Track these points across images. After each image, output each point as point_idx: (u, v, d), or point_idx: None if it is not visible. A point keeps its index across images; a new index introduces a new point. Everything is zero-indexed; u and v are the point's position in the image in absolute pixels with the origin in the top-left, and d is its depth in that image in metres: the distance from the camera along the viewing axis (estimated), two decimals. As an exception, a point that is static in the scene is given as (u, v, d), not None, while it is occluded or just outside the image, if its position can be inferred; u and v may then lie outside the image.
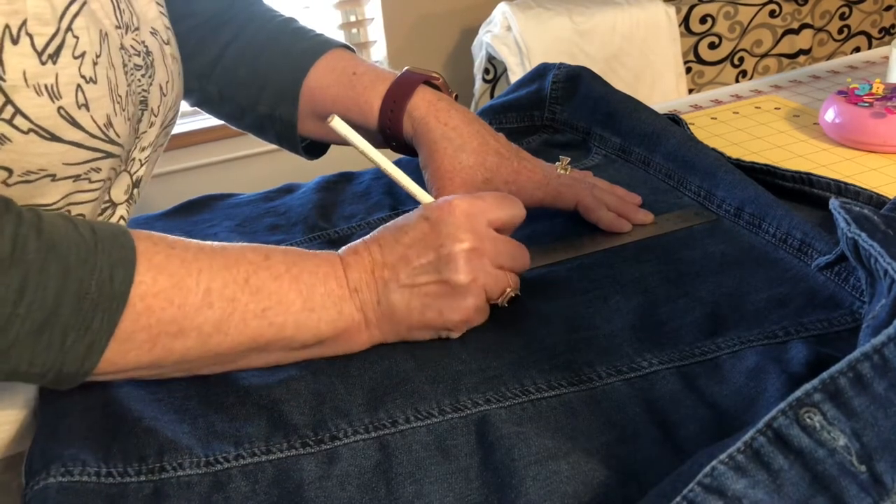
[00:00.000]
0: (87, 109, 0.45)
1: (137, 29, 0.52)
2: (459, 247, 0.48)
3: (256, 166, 1.74)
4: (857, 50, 2.32)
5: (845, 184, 0.62)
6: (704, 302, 0.52)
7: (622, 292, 0.53)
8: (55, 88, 0.43)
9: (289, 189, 0.75)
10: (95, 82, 0.45)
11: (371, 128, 0.63)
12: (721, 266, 0.55)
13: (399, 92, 0.62)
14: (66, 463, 0.41)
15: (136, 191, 0.56)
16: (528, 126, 0.81)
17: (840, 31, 2.28)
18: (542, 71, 0.82)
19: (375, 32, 1.85)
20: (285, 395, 0.46)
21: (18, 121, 0.41)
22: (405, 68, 0.65)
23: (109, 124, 0.47)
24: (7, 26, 0.40)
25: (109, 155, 0.48)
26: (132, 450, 0.42)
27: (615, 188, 0.64)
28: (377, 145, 0.64)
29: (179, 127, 1.75)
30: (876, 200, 0.61)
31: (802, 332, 0.48)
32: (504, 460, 0.40)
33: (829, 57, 2.29)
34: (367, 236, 0.50)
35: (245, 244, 0.47)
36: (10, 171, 0.43)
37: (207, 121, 1.77)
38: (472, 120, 0.62)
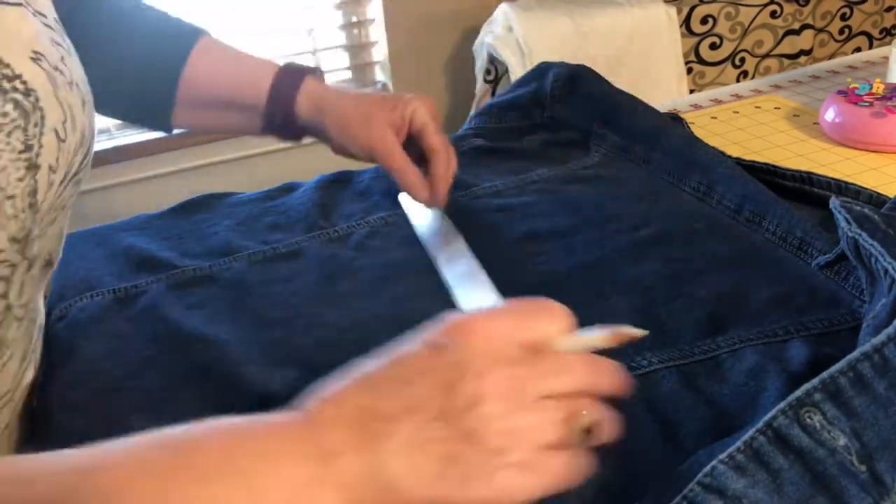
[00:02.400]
0: None
1: None
2: (482, 384, 0.33)
3: (256, 166, 1.74)
4: (858, 50, 2.32)
5: (845, 183, 0.62)
6: (704, 301, 0.51)
7: (623, 291, 0.53)
8: None
9: (289, 188, 0.74)
10: None
11: (259, 105, 0.65)
12: (721, 265, 0.55)
13: (290, 78, 0.65)
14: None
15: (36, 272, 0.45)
16: (529, 125, 0.81)
17: (841, 32, 2.27)
18: (542, 70, 0.82)
19: (377, 33, 1.85)
20: (287, 393, 0.46)
21: None
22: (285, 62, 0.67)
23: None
24: None
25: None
26: None
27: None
28: (257, 132, 0.68)
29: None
30: (876, 200, 0.61)
31: (802, 331, 0.48)
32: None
33: (830, 58, 2.28)
34: (342, 375, 0.35)
35: (146, 437, 0.32)
36: None
37: (208, 121, 1.77)
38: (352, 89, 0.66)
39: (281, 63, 0.66)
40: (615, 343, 0.37)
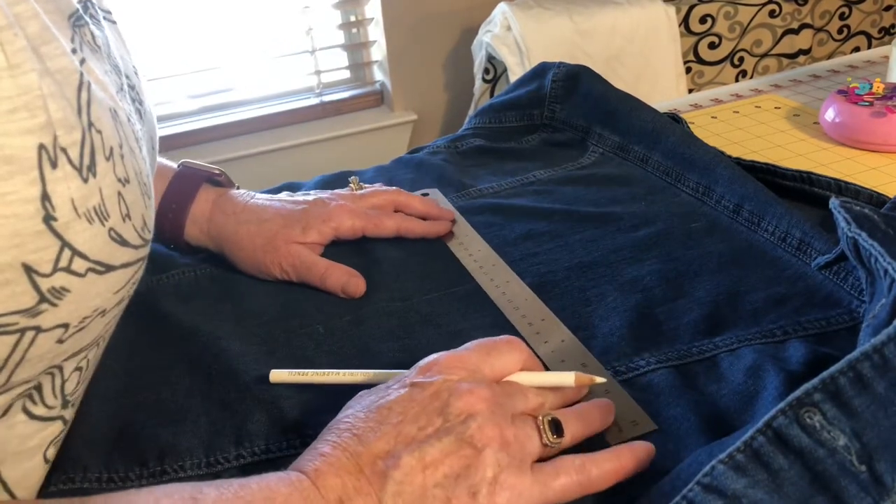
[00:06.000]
0: (130, 219, 0.36)
1: (128, 77, 0.42)
2: (471, 400, 0.37)
3: (256, 166, 1.74)
4: (857, 50, 2.32)
5: (845, 183, 0.62)
6: (703, 301, 0.51)
7: (620, 291, 0.53)
8: (102, 208, 0.34)
9: (288, 188, 0.74)
10: (129, 181, 0.36)
11: None
12: (720, 265, 0.55)
13: (179, 196, 0.59)
14: (67, 470, 0.41)
15: None
16: (528, 125, 0.81)
17: (840, 31, 2.27)
18: (541, 70, 0.82)
19: (375, 32, 1.85)
20: (286, 390, 0.46)
21: (77, 264, 0.33)
22: (182, 161, 0.62)
23: (144, 225, 0.38)
24: (42, 147, 0.31)
25: (145, 259, 0.39)
26: (133, 455, 0.43)
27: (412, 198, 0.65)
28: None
29: (178, 127, 1.74)
30: (876, 199, 0.61)
31: (801, 332, 0.48)
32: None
33: (829, 57, 2.28)
34: (322, 437, 0.37)
35: (159, 491, 0.33)
36: (66, 326, 0.34)
37: (206, 120, 1.77)
38: (255, 196, 0.61)
39: (174, 169, 0.61)
40: (574, 385, 0.42)
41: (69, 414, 0.40)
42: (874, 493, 0.31)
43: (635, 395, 0.44)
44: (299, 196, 0.62)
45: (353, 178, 0.66)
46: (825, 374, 0.33)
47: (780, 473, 0.32)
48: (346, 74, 1.93)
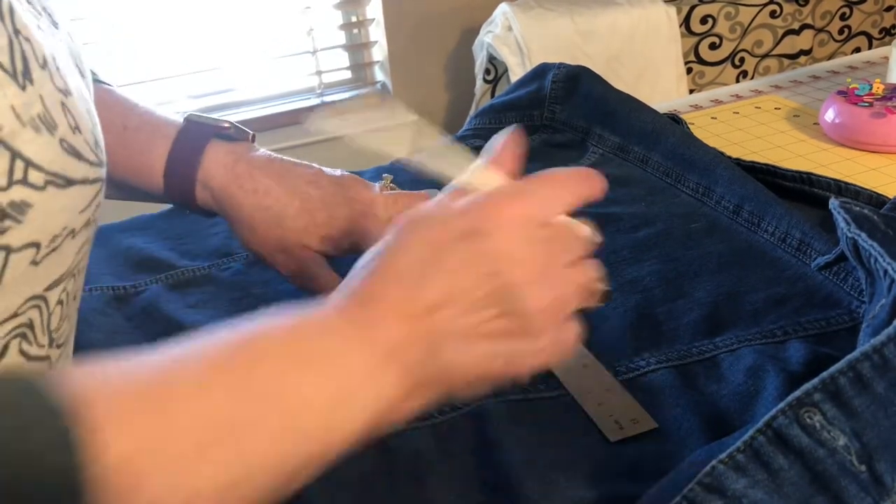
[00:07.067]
0: (80, 132, 0.35)
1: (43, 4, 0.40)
2: (521, 272, 0.34)
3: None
4: (858, 50, 2.32)
5: (845, 183, 0.62)
6: (703, 302, 0.51)
7: (621, 291, 0.53)
8: (48, 116, 0.33)
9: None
10: (70, 93, 0.35)
11: (157, 193, 0.55)
12: (719, 266, 0.55)
13: (185, 156, 0.53)
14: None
15: None
16: (528, 125, 0.81)
17: (840, 32, 2.27)
18: (542, 71, 0.82)
19: (376, 33, 1.85)
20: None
21: (33, 176, 0.32)
22: (186, 114, 0.55)
23: (97, 143, 0.37)
24: None
25: (104, 181, 0.38)
26: None
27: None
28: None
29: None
30: (876, 200, 0.61)
31: (800, 332, 0.48)
32: (504, 459, 0.40)
33: (830, 57, 2.28)
34: (363, 268, 0.35)
35: (214, 339, 0.33)
36: (38, 245, 0.33)
37: (208, 121, 1.77)
38: (281, 173, 0.53)
39: (178, 125, 0.54)
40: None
41: (55, 355, 0.40)
42: (874, 492, 0.32)
43: (635, 396, 0.44)
44: (332, 185, 0.55)
45: (386, 175, 0.61)
46: (825, 374, 0.33)
47: (780, 473, 0.32)
48: (347, 75, 1.93)
